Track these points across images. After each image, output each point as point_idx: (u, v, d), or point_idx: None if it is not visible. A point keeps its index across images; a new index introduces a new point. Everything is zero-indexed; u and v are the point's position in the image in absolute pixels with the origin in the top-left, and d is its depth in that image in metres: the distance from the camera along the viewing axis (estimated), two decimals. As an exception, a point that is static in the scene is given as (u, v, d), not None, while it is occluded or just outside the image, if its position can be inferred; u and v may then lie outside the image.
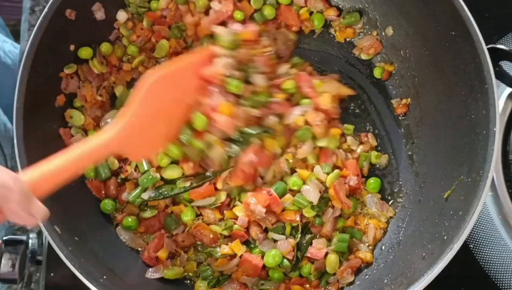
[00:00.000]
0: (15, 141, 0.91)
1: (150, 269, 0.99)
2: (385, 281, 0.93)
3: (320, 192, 0.98)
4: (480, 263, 1.03)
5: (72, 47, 1.03)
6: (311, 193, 0.97)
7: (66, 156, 0.80)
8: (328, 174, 1.00)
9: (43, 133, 0.98)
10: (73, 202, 0.97)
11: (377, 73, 1.09)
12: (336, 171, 1.00)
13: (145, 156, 0.99)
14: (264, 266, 0.97)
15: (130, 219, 1.00)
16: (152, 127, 0.92)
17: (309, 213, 0.98)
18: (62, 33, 1.00)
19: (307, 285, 0.98)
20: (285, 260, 0.97)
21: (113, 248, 0.99)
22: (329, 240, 1.00)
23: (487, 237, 1.03)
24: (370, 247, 1.00)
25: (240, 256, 0.97)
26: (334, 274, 0.97)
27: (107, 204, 1.01)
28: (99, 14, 1.05)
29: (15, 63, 1.47)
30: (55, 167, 0.78)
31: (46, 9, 0.95)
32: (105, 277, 0.89)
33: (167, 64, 0.99)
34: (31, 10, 1.24)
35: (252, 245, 0.99)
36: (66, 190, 0.96)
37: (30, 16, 1.24)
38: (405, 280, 0.88)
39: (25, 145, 0.91)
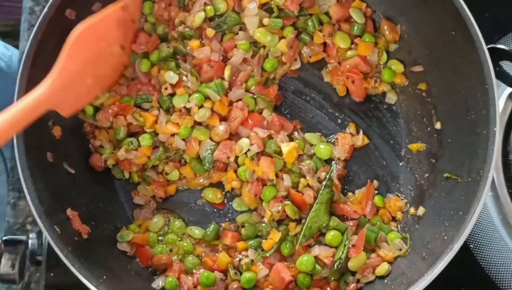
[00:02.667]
0: (15, 141, 0.90)
1: (156, 278, 0.98)
2: (385, 281, 0.93)
3: None
4: (480, 263, 1.03)
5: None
6: None
7: (2, 116, 0.83)
8: None
9: (42, 132, 0.97)
10: (74, 202, 0.97)
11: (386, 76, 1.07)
12: None
13: (77, 108, 1.00)
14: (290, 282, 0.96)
15: (170, 279, 0.97)
16: (82, 78, 0.96)
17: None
18: (62, 33, 1.00)
19: (326, 287, 0.97)
20: (317, 266, 0.96)
21: (113, 248, 0.99)
22: None
23: (487, 237, 1.03)
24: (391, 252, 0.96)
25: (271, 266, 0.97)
26: (354, 274, 0.96)
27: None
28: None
29: (8, 65, 1.46)
30: None
31: (46, 9, 0.95)
32: (105, 277, 0.88)
33: (90, 17, 0.99)
34: (31, 10, 1.25)
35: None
36: (67, 189, 0.97)
37: (30, 16, 1.24)
38: (405, 280, 0.88)
39: (25, 145, 0.91)
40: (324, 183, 0.98)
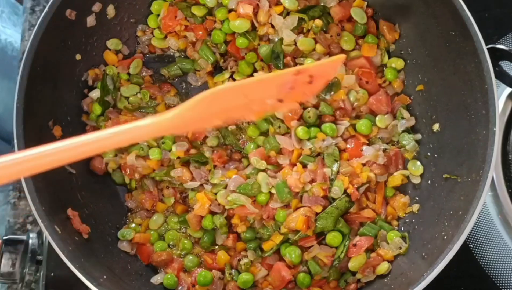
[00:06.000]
0: (15, 141, 0.91)
1: (155, 276, 0.98)
2: (385, 280, 0.93)
3: None
4: (480, 263, 1.03)
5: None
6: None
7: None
8: None
9: (43, 132, 0.98)
10: (74, 202, 0.97)
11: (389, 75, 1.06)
12: None
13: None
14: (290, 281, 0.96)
15: (169, 276, 0.98)
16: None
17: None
18: (62, 33, 1.00)
19: (326, 287, 0.96)
20: (316, 266, 0.96)
21: (113, 248, 0.99)
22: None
23: (487, 237, 1.03)
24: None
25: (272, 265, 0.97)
26: (354, 274, 0.96)
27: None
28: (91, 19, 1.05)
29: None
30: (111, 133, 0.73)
31: (46, 9, 0.95)
32: (105, 277, 0.89)
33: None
34: (31, 10, 1.25)
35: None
36: (67, 189, 0.98)
37: (30, 16, 1.25)
38: (405, 279, 0.88)
39: (26, 145, 0.90)
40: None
